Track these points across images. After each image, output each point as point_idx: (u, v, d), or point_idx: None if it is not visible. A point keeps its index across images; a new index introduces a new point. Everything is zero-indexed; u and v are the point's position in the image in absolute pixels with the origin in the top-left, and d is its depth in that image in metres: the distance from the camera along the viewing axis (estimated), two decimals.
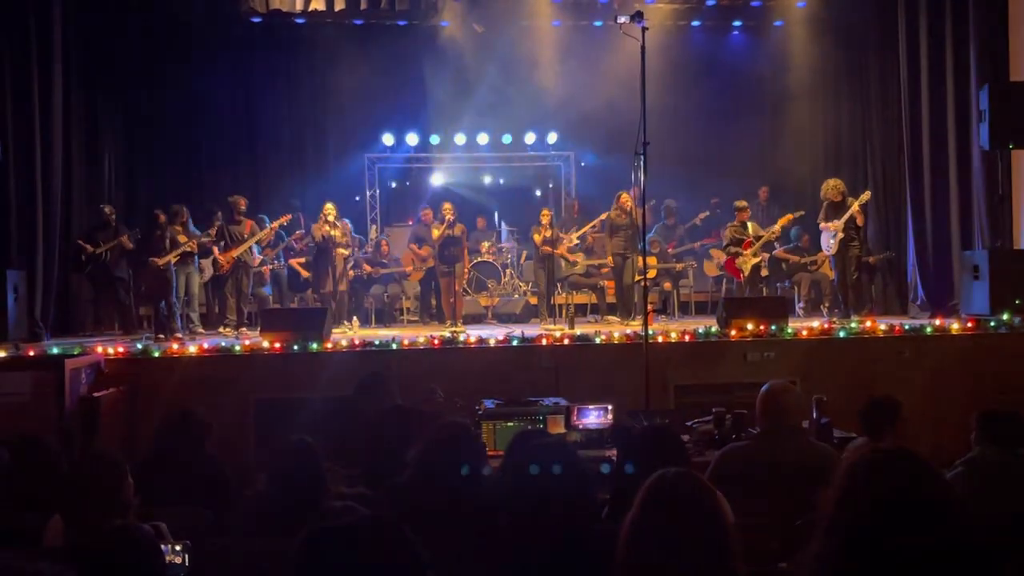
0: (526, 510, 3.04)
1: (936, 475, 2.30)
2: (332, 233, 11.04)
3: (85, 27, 11.51)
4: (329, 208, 11.17)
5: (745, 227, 11.16)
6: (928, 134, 11.09)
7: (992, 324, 9.16)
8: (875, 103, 12.75)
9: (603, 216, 11.88)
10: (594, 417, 6.25)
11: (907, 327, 9.30)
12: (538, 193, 16.25)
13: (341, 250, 11.08)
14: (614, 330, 9.63)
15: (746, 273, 11.01)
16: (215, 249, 10.71)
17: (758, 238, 11.02)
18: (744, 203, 11.39)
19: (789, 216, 11.27)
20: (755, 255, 11.00)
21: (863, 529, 2.21)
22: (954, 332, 9.16)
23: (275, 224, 11.36)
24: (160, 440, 5.05)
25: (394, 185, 15.72)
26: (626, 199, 11.11)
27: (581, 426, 6.22)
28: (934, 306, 10.73)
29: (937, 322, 9.52)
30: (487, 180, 16.21)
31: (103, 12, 11.94)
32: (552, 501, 3.03)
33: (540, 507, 3.02)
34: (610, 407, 6.28)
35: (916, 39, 11.18)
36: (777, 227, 11.14)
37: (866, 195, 10.74)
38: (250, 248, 10.94)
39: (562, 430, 6.53)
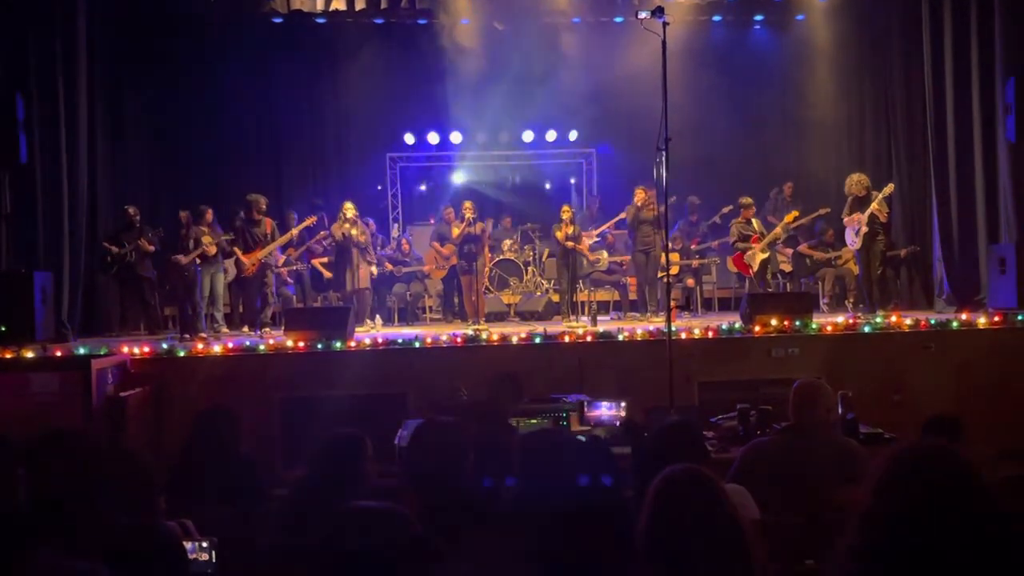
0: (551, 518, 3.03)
1: (974, 470, 2.25)
2: (351, 232, 11.08)
3: (109, 27, 11.62)
4: (348, 207, 11.21)
5: (750, 223, 11.29)
6: (953, 127, 10.98)
7: (1020, 318, 9.06)
8: (899, 96, 12.63)
9: (622, 215, 11.82)
10: (606, 410, 6.25)
11: (933, 321, 9.23)
12: (555, 190, 16.16)
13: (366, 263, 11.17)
14: (637, 327, 9.61)
15: (755, 268, 11.08)
16: (237, 250, 10.74)
17: (764, 235, 11.12)
18: (750, 200, 11.47)
19: (794, 213, 11.43)
20: (763, 251, 11.05)
21: (901, 521, 2.18)
22: (980, 326, 9.08)
23: (301, 226, 11.41)
24: (194, 437, 5.03)
25: (418, 185, 15.72)
26: (638, 194, 11.04)
27: (594, 421, 6.21)
28: (960, 300, 10.63)
29: (963, 316, 9.44)
30: (509, 178, 16.16)
31: (126, 12, 12.05)
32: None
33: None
34: (623, 403, 6.24)
35: (940, 31, 11.07)
36: (779, 228, 11.25)
37: (889, 188, 10.65)
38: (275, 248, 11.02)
39: (588, 427, 6.53)
